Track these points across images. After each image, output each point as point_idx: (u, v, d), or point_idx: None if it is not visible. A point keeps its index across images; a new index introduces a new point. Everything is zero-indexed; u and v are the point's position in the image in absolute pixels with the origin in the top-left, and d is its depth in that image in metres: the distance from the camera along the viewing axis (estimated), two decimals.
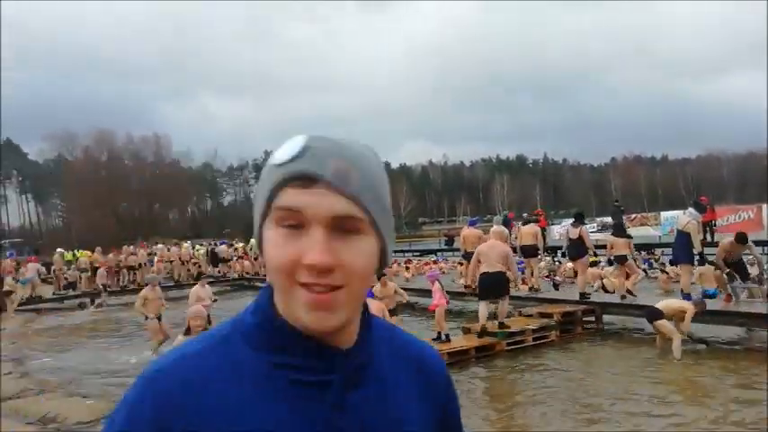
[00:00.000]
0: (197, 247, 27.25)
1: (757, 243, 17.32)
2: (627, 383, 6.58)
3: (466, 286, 12.32)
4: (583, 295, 10.04)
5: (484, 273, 8.43)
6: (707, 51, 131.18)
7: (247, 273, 23.51)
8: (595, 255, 12.33)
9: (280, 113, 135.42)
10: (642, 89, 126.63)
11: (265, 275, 11.79)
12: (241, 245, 27.45)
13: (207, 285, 10.60)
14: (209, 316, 9.78)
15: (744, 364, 7.04)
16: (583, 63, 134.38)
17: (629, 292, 9.96)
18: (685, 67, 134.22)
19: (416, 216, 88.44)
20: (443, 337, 8.28)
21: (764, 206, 20.13)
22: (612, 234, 11.07)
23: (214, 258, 24.66)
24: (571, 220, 11.32)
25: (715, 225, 19.05)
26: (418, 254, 29.04)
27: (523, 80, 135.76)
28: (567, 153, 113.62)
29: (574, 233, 10.30)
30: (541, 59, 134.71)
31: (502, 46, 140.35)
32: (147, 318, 9.75)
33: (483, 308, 8.55)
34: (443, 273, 17.98)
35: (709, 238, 17.55)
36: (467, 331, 9.20)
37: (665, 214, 23.35)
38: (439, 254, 27.69)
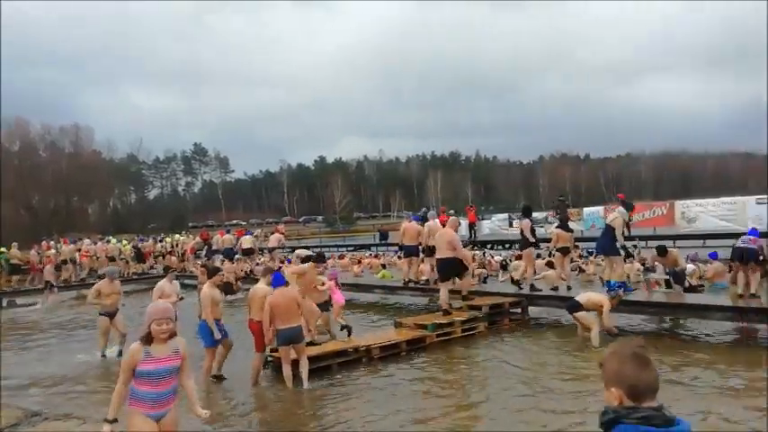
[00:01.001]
0: (124, 242, 25.97)
1: (669, 237, 18.59)
2: (549, 369, 6.83)
3: (406, 281, 12.37)
4: (532, 287, 10.28)
5: (438, 259, 9.39)
6: (626, 57, 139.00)
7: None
8: (537, 246, 12.55)
9: (211, 107, 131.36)
10: (567, 91, 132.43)
11: (193, 272, 10.98)
12: (168, 239, 26.39)
13: (175, 281, 9.75)
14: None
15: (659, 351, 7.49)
16: (513, 64, 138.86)
17: (562, 279, 10.40)
18: (607, 70, 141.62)
19: (351, 211, 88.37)
20: (347, 330, 8.64)
21: (677, 203, 21.58)
22: (557, 227, 11.50)
23: (139, 255, 23.57)
24: (503, 215, 11.68)
25: (631, 220, 20.19)
26: (352, 248, 29.03)
27: (458, 79, 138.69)
28: (497, 150, 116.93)
29: (519, 226, 10.72)
30: (474, 59, 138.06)
31: (437, 45, 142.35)
32: (101, 314, 9.08)
33: (443, 291, 9.28)
34: (384, 266, 18.17)
35: (626, 232, 18.56)
36: (399, 325, 9.25)
37: (587, 210, 24.57)
38: (373, 248, 27.80)
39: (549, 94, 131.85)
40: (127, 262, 22.39)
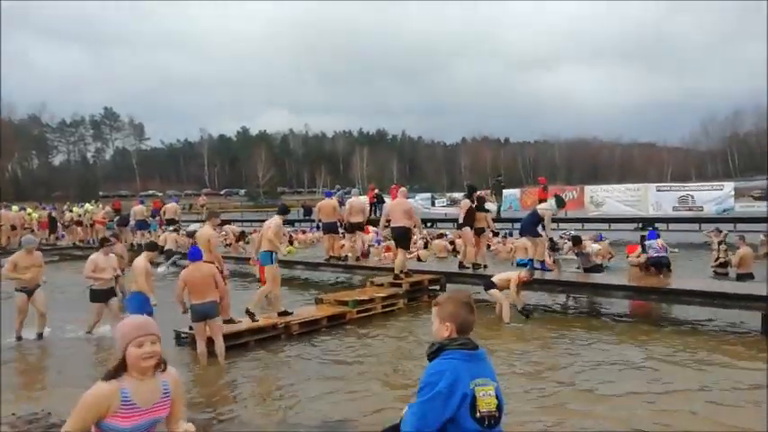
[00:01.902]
0: (29, 210, 24.01)
1: (578, 220, 19.75)
2: None
3: (328, 258, 12.39)
4: (474, 266, 10.36)
5: (394, 227, 9.91)
6: (545, 46, 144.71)
7: (81, 241, 21.27)
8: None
9: (125, 70, 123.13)
10: (490, 76, 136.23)
11: (98, 244, 9.75)
12: (75, 209, 24.63)
13: (112, 254, 8.50)
14: (113, 290, 8.17)
15: (570, 326, 7.98)
16: (438, 47, 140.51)
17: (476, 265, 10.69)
18: (527, 58, 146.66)
19: (275, 185, 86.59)
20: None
21: (586, 187, 22.92)
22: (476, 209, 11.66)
23: (53, 224, 21.99)
24: (426, 195, 11.86)
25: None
26: None
27: (385, 59, 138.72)
28: (422, 131, 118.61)
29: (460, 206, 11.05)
30: (400, 41, 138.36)
31: (364, 25, 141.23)
32: (17, 290, 8.02)
33: (401, 255, 9.93)
34: (291, 243, 18.09)
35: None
36: (319, 302, 9.24)
37: (504, 192, 25.54)
38: (297, 224, 27.45)
39: (471, 78, 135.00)
40: (33, 231, 20.69)
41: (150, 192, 67.76)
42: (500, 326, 8.06)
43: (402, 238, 10.00)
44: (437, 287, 10.34)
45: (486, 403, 2.01)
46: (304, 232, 22.16)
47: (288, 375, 6.26)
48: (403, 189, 10.58)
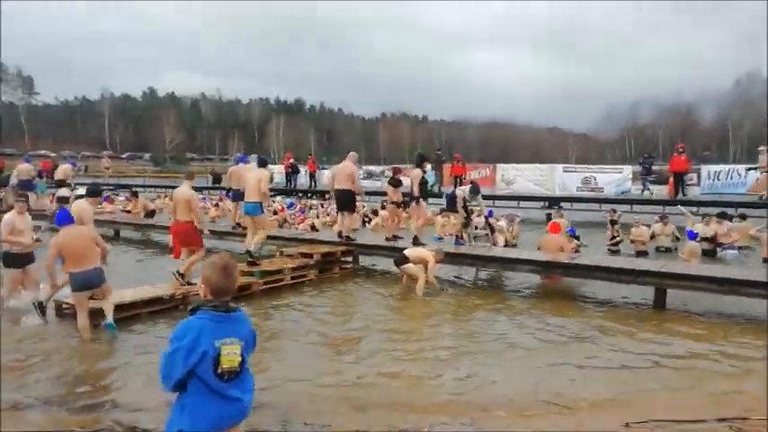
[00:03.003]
0: None
1: (490, 197, 20.21)
2: (374, 317, 6.93)
3: (234, 225, 11.82)
4: (415, 239, 9.90)
5: (336, 189, 9.99)
6: (460, 27, 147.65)
7: None
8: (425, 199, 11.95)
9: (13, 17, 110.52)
10: (410, 54, 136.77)
11: None
12: None
13: (27, 213, 7.33)
14: (31, 255, 7.05)
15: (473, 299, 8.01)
16: (357, 20, 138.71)
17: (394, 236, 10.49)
18: (445, 39, 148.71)
19: (183, 150, 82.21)
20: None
21: (498, 166, 23.54)
22: (389, 183, 11.28)
23: None
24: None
25: (465, 178, 21.50)
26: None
27: (306, 28, 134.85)
28: (341, 103, 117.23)
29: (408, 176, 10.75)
30: (321, 11, 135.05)
31: None
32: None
33: (340, 218, 10.34)
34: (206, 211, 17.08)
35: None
36: None
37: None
38: (204, 192, 26.10)
39: (391, 55, 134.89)
40: None
41: (42, 152, 61.86)
42: (410, 298, 7.94)
43: (346, 200, 10.07)
44: (349, 258, 10.10)
45: (228, 360, 2.31)
46: (221, 200, 20.45)
47: None
48: (353, 153, 10.30)
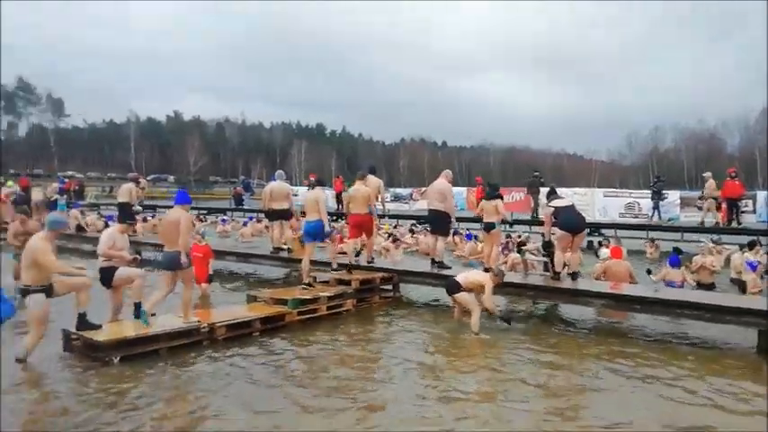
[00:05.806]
0: None
1: (525, 222, 19.13)
2: (421, 356, 5.96)
3: (275, 248, 10.72)
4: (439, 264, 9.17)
5: (429, 209, 9.32)
6: (476, 53, 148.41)
7: None
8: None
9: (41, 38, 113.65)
10: (432, 81, 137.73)
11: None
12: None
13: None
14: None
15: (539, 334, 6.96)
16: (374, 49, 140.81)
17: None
18: (461, 64, 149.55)
19: (208, 174, 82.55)
20: None
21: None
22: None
23: None
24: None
25: None
26: (205, 212, 26.37)
27: (322, 55, 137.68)
28: (362, 128, 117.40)
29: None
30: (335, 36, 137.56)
31: (301, 19, 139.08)
32: None
33: (440, 243, 9.24)
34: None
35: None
36: (252, 299, 7.79)
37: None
38: (228, 213, 25.49)
39: (407, 80, 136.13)
40: None
41: (69, 173, 62.47)
42: (468, 336, 6.91)
43: (439, 222, 9.16)
44: (389, 287, 9.12)
45: None
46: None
47: (204, 393, 4.82)
48: (447, 171, 9.49)
